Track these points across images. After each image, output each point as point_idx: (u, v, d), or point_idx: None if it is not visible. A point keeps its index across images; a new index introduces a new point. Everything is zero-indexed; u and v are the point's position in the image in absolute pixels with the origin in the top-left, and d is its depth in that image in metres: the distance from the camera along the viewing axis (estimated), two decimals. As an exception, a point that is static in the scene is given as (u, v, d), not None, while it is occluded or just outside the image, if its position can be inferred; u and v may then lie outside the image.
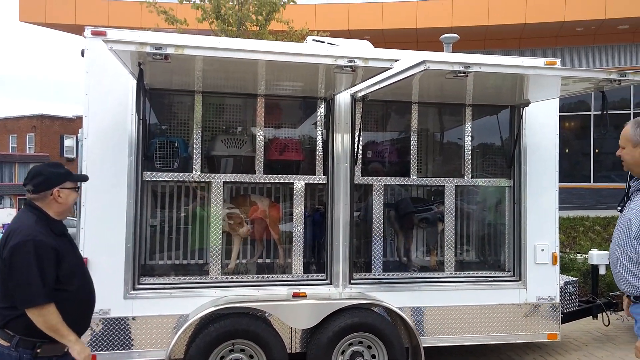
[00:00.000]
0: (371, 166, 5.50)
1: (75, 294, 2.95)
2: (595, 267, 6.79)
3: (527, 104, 5.21)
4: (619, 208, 3.20)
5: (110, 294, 4.44)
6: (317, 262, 5.30)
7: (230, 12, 12.64)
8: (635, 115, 20.70)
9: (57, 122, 42.14)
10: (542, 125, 5.35)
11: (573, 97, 20.33)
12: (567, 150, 20.91)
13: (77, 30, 19.97)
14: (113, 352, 4.45)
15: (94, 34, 4.38)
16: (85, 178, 3.39)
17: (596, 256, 6.75)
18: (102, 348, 4.43)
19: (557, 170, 5.37)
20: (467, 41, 17.44)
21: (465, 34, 16.45)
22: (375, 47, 5.39)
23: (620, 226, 3.07)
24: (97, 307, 4.33)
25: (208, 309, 4.44)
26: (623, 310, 6.08)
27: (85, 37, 4.43)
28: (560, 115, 5.49)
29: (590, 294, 6.74)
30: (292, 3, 13.36)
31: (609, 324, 6.43)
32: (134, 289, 4.53)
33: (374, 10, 19.97)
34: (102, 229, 4.47)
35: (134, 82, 4.26)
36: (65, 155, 41.18)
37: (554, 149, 5.36)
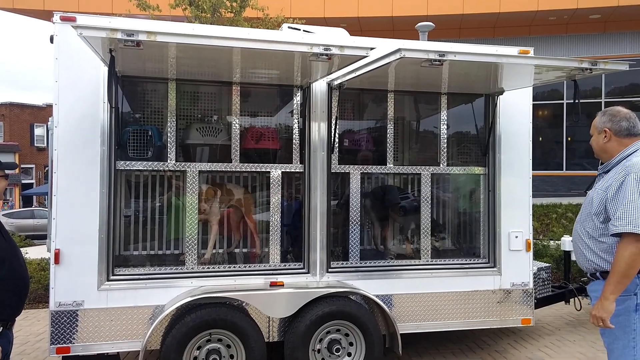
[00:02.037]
0: (348, 154, 5.49)
1: (4, 279, 2.93)
2: (567, 253, 6.92)
3: (502, 92, 5.25)
4: (586, 190, 3.37)
5: (84, 286, 4.38)
6: (295, 251, 5.29)
7: (204, -1, 12.47)
8: (607, 104, 21.09)
9: (26, 111, 41.21)
10: (516, 113, 5.40)
11: (546, 86, 20.59)
12: (540, 139, 21.23)
13: (46, 16, 19.51)
14: (87, 344, 4.39)
15: (63, 19, 4.27)
16: (14, 166, 3.34)
17: (568, 242, 6.87)
18: (77, 340, 4.37)
19: (531, 158, 5.44)
20: (442, 30, 17.51)
21: (440, 23, 16.49)
22: (351, 35, 5.36)
23: (584, 205, 3.28)
24: (70, 299, 4.36)
25: (184, 299, 4.41)
26: None
27: (54, 23, 4.31)
28: (533, 104, 5.55)
29: (563, 280, 6.87)
30: (266, -11, 13.23)
31: (580, 309, 6.56)
32: (108, 280, 4.46)
33: (350, -3, 19.89)
34: (75, 219, 4.38)
35: (106, 69, 4.17)
36: (35, 144, 40.37)
37: (527, 137, 5.43)
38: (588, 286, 3.29)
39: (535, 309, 5.55)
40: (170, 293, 4.55)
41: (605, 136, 3.20)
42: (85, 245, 4.39)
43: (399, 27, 20.07)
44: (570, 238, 6.98)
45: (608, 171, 3.18)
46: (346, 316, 4.71)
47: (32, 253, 9.06)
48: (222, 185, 5.44)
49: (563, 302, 6.52)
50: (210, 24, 12.03)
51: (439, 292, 5.15)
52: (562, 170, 21.01)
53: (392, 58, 3.80)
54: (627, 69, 4.37)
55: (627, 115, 3.19)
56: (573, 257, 6.88)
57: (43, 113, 40.03)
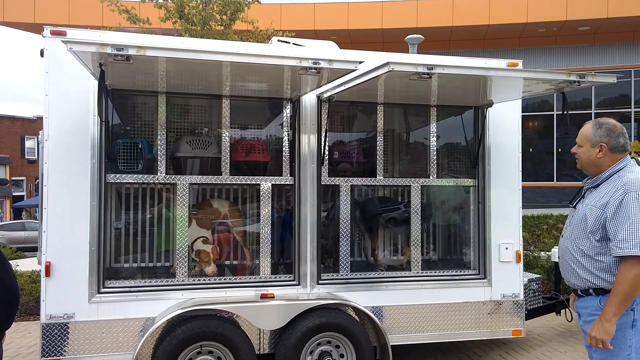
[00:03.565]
0: (338, 167, 5.52)
1: None
2: (558, 264, 6.92)
3: (491, 104, 5.30)
4: (573, 204, 3.29)
5: (75, 298, 4.36)
6: (285, 262, 5.29)
7: (194, 12, 12.50)
8: (597, 114, 21.29)
9: (17, 123, 41.01)
10: (505, 125, 5.45)
11: (536, 98, 20.76)
12: (530, 150, 21.39)
13: (37, 29, 19.51)
14: (78, 356, 4.36)
15: (53, 33, 4.29)
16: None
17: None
18: (68, 353, 4.34)
19: (520, 169, 5.48)
20: (432, 42, 17.68)
21: (430, 35, 16.66)
22: (341, 47, 5.41)
23: (574, 221, 3.18)
24: (61, 312, 4.34)
25: (175, 311, 4.39)
26: None
27: (44, 37, 4.33)
28: (523, 115, 5.60)
29: (554, 291, 6.89)
30: (256, 3, 13.29)
31: (571, 320, 6.58)
32: (99, 293, 4.45)
33: (340, 10, 20.07)
34: (65, 232, 4.37)
35: (96, 82, 4.18)
36: (26, 157, 40.12)
37: (517, 148, 5.46)
38: (577, 302, 3.20)
39: (526, 320, 5.57)
40: (161, 305, 4.54)
41: (601, 151, 3.10)
42: (76, 258, 4.38)
43: (388, 39, 20.24)
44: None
45: (597, 186, 3.12)
46: (337, 328, 4.70)
47: (23, 265, 9.01)
48: (207, 203, 5.44)
49: (554, 313, 6.54)
50: (200, 37, 12.07)
51: (429, 304, 5.16)
52: (553, 181, 21.16)
53: (380, 71, 3.84)
54: (615, 81, 4.42)
55: (623, 131, 3.13)
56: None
57: (34, 125, 39.85)
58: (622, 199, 2.91)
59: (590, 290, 3.07)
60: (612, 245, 2.91)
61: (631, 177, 2.97)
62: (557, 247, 7.18)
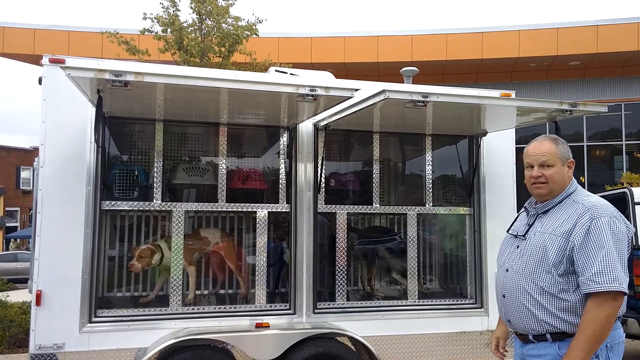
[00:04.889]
0: (334, 195, 5.52)
1: None
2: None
3: (485, 134, 5.34)
4: (519, 233, 2.87)
5: (65, 328, 4.28)
6: (281, 291, 5.24)
7: (193, 43, 12.67)
8: (589, 147, 21.50)
9: (13, 154, 41.02)
10: (499, 154, 5.49)
11: (530, 130, 20.95)
12: (525, 181, 21.48)
13: (36, 60, 19.58)
14: (67, 388, 4.27)
15: (52, 61, 4.32)
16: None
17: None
18: (56, 385, 4.25)
19: (515, 198, 5.48)
20: (426, 75, 17.92)
21: (424, 68, 16.90)
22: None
23: (526, 253, 2.73)
24: (51, 342, 4.26)
25: (168, 341, 4.32)
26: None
27: (43, 65, 4.37)
28: (518, 147, 5.62)
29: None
30: (255, 36, 13.49)
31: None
32: (90, 322, 4.37)
33: (336, 44, 20.41)
34: (58, 260, 4.32)
35: (93, 109, 4.20)
36: (21, 187, 39.99)
37: (511, 177, 5.48)
38: (525, 349, 2.74)
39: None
40: (153, 335, 4.46)
41: (570, 169, 2.80)
42: (68, 287, 4.32)
43: (384, 72, 20.53)
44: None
45: (546, 211, 2.78)
46: (333, 358, 4.63)
47: (14, 296, 8.89)
48: (197, 233, 5.41)
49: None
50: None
51: (426, 334, 5.10)
52: (548, 212, 21.16)
53: (377, 99, 3.88)
54: (606, 111, 4.49)
55: None
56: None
57: (29, 156, 39.83)
58: (590, 226, 2.54)
59: (547, 336, 2.62)
60: (583, 279, 2.50)
61: (592, 200, 2.66)
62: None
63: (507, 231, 3.01)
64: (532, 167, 2.79)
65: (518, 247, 2.81)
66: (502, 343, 3.07)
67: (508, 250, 2.90)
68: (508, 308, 2.79)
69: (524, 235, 2.81)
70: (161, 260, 4.92)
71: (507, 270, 2.82)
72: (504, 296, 2.82)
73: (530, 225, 2.82)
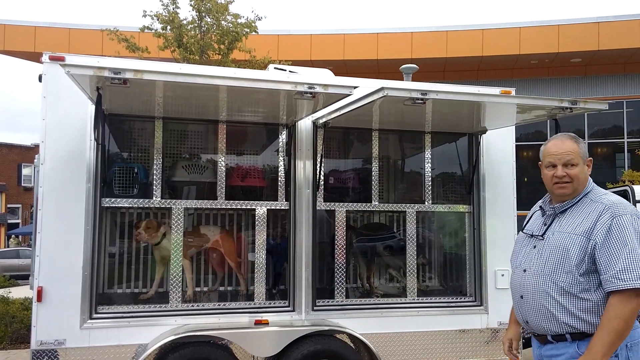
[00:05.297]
0: (333, 192, 5.53)
1: None
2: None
3: (484, 131, 5.34)
4: (535, 233, 2.85)
5: (66, 324, 4.30)
6: (280, 288, 5.26)
7: (193, 41, 12.68)
8: (590, 145, 21.47)
9: (14, 151, 41.09)
10: (499, 152, 5.48)
11: (530, 128, 20.97)
12: (525, 179, 21.45)
13: (37, 57, 19.63)
14: (68, 384, 4.29)
15: (52, 58, 4.33)
16: None
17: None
18: (57, 381, 4.27)
19: (515, 196, 5.48)
20: (426, 72, 17.90)
21: (425, 66, 16.88)
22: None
23: (544, 253, 2.72)
24: (52, 338, 4.28)
25: (167, 337, 4.33)
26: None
27: (43, 62, 4.37)
28: (518, 145, 5.63)
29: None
30: (254, 33, 13.49)
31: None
32: (91, 318, 4.39)
33: (336, 41, 20.38)
34: (59, 256, 4.34)
35: (93, 107, 4.21)
36: (22, 184, 40.06)
37: (511, 175, 5.48)
38: (546, 350, 2.73)
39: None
40: (153, 331, 4.48)
41: (589, 167, 2.78)
42: (69, 283, 4.34)
43: (384, 69, 20.51)
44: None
45: (564, 211, 2.76)
46: (332, 355, 4.64)
47: (16, 293, 8.92)
48: (197, 229, 5.42)
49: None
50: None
51: (425, 331, 5.11)
52: (548, 210, 21.15)
53: (375, 96, 3.88)
54: (607, 108, 4.47)
55: None
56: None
57: (31, 153, 39.89)
58: (611, 224, 2.53)
59: (567, 336, 2.61)
60: (606, 277, 2.49)
61: (612, 199, 2.65)
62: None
63: (522, 230, 2.98)
64: (554, 166, 2.75)
65: (535, 247, 2.79)
66: (515, 344, 3.08)
67: (524, 250, 2.87)
68: (526, 309, 2.76)
69: (542, 235, 2.78)
70: (164, 236, 4.92)
71: (524, 271, 2.79)
72: (521, 297, 2.79)
73: (548, 225, 2.79)
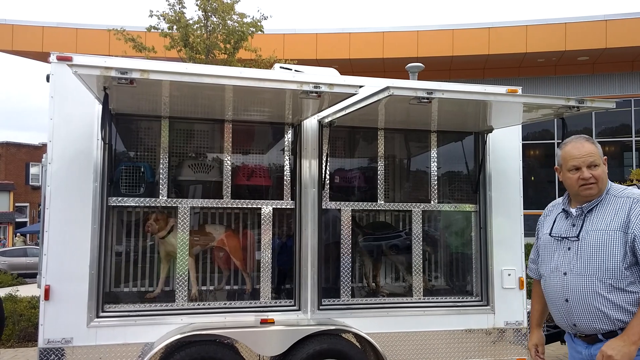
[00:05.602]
0: (339, 191, 5.53)
1: None
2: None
3: (490, 130, 5.33)
4: (564, 235, 2.88)
5: (73, 323, 4.33)
6: (286, 287, 5.26)
7: (199, 40, 12.72)
8: (599, 143, 21.32)
9: (22, 150, 41.36)
10: (505, 151, 5.47)
11: (537, 127, 20.90)
12: (532, 178, 21.38)
13: (45, 57, 19.71)
14: (75, 383, 4.31)
15: (60, 58, 4.36)
16: None
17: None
18: (64, 379, 4.29)
19: (522, 195, 5.46)
20: (432, 71, 17.86)
21: (430, 64, 16.84)
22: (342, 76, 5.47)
23: (585, 253, 2.74)
24: (59, 336, 4.31)
25: (173, 336, 4.35)
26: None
27: (50, 62, 4.40)
28: (525, 144, 5.61)
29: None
30: (260, 32, 13.51)
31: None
32: (98, 317, 4.42)
33: (342, 40, 20.36)
34: (66, 255, 4.37)
35: (100, 107, 4.23)
36: (30, 183, 40.30)
37: (517, 174, 5.46)
38: (595, 349, 2.71)
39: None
40: (160, 330, 4.50)
41: (606, 165, 2.87)
42: (76, 282, 4.36)
43: (389, 68, 20.47)
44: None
45: (590, 210, 2.82)
46: (337, 354, 4.64)
47: (23, 291, 8.97)
48: (202, 227, 5.43)
49: (559, 342, 6.44)
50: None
51: (432, 331, 5.09)
52: (556, 209, 21.06)
53: (381, 96, 3.88)
54: (614, 107, 4.43)
55: None
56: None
57: (39, 152, 40.14)
58: None
59: (619, 332, 2.64)
60: None
61: (634, 192, 2.76)
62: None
63: (550, 234, 2.99)
64: (579, 169, 2.81)
65: (570, 249, 2.82)
66: (541, 349, 3.12)
67: (557, 253, 2.89)
68: (573, 312, 2.77)
69: (576, 236, 2.80)
70: (172, 229, 4.94)
71: (564, 273, 2.80)
72: (566, 300, 2.80)
73: (579, 226, 2.82)
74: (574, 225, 2.85)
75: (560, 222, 2.97)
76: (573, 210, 2.89)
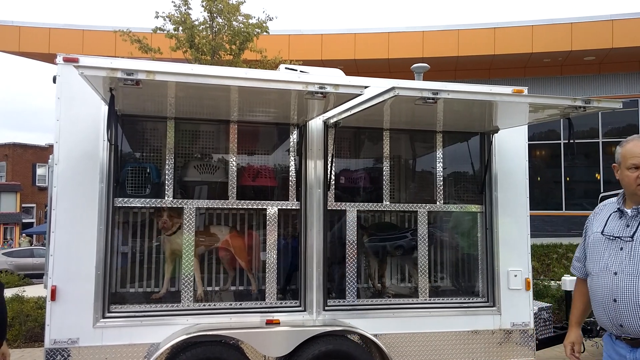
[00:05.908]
0: (344, 192, 5.52)
1: None
2: (568, 293, 6.80)
3: (496, 130, 5.31)
4: (617, 235, 2.87)
5: (79, 323, 4.34)
6: (291, 288, 5.26)
7: (204, 42, 12.75)
8: (604, 144, 21.28)
9: (29, 151, 41.58)
10: (511, 151, 5.45)
11: (543, 127, 20.82)
12: (539, 179, 21.31)
13: (51, 59, 19.80)
14: (81, 383, 4.32)
15: (66, 60, 4.37)
16: None
17: (569, 282, 6.76)
18: (70, 379, 4.30)
19: (528, 196, 5.44)
20: (438, 71, 17.82)
21: (436, 65, 16.79)
22: (347, 76, 5.46)
23: (638, 254, 2.74)
24: (65, 337, 4.32)
25: (179, 337, 4.36)
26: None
27: (57, 64, 4.42)
28: (531, 144, 5.60)
29: (565, 320, 6.76)
30: (265, 33, 13.53)
31: (583, 351, 6.35)
32: (104, 317, 4.43)
33: (347, 41, 20.37)
34: (72, 256, 4.38)
35: (106, 108, 4.24)
36: (37, 184, 40.50)
37: (524, 175, 5.44)
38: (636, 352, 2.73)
39: (536, 350, 5.46)
40: (165, 331, 4.50)
41: None
42: (82, 282, 4.38)
43: (395, 69, 20.46)
44: (571, 278, 6.86)
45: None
46: (343, 355, 4.64)
47: (30, 292, 9.01)
48: (207, 228, 5.43)
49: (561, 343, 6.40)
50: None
51: (437, 332, 5.08)
52: (562, 210, 21.01)
53: (386, 96, 3.87)
54: (621, 107, 4.40)
55: None
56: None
57: (45, 153, 40.34)
58: None
59: None
60: None
61: None
62: (567, 275, 7.04)
63: (602, 233, 2.95)
64: (638, 167, 2.82)
65: (622, 249, 2.78)
66: (577, 348, 3.11)
67: (608, 253, 2.85)
68: (621, 312, 2.73)
69: (631, 237, 2.77)
70: (181, 227, 4.92)
71: (615, 273, 2.77)
72: (614, 300, 2.76)
73: (633, 227, 2.79)
74: (628, 226, 2.83)
75: (613, 221, 2.93)
76: (628, 211, 2.86)
